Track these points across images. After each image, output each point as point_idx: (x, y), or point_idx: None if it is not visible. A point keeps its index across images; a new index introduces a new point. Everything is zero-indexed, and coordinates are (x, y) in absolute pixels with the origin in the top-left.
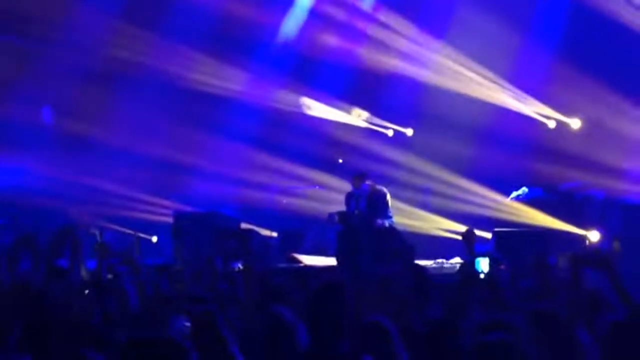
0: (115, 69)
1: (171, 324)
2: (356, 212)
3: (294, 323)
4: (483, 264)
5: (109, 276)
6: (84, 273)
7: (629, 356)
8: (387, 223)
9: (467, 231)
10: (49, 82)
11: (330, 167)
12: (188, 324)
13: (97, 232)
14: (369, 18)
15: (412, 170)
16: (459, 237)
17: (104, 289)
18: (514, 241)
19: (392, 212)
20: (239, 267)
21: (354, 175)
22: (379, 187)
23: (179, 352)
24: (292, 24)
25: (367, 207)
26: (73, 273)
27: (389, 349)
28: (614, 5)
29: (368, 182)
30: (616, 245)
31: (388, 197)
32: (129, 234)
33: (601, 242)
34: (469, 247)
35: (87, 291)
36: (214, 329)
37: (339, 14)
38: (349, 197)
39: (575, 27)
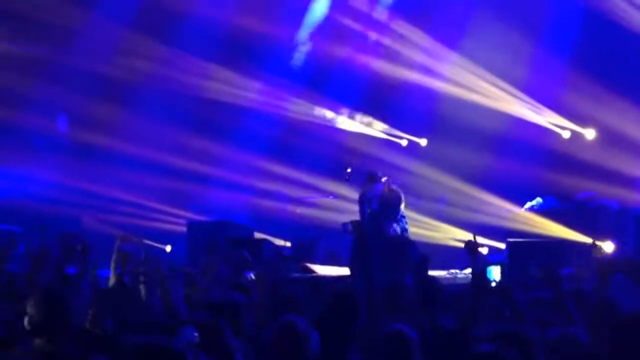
0: (129, 78)
1: (180, 334)
2: (368, 211)
3: (307, 332)
4: (495, 273)
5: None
6: (93, 279)
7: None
8: (399, 228)
9: (469, 241)
10: (63, 90)
11: (344, 177)
12: (196, 334)
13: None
14: (383, 28)
15: (425, 180)
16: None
17: (121, 295)
18: (527, 252)
19: (405, 216)
20: (251, 277)
21: (366, 176)
22: (394, 187)
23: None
24: (306, 33)
25: (380, 208)
26: (83, 279)
27: (410, 358)
28: (628, 14)
29: (383, 181)
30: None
31: (402, 198)
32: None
33: (616, 252)
34: (472, 256)
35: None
36: (222, 340)
37: (353, 24)
38: (362, 199)
39: (590, 36)
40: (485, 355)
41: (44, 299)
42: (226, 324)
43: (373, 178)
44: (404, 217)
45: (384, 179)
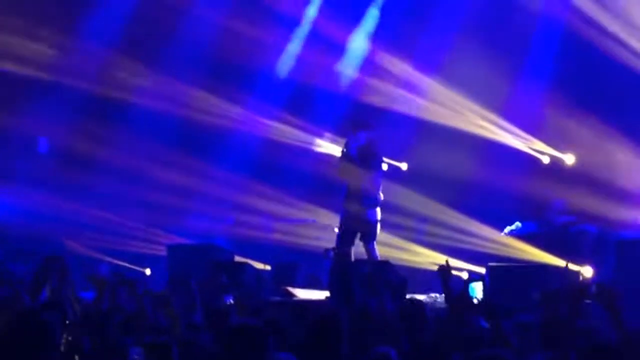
0: (111, 100)
1: (129, 354)
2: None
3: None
4: (477, 289)
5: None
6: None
7: None
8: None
9: (442, 265)
10: (45, 113)
11: (326, 201)
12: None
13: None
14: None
15: (406, 205)
16: (454, 272)
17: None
18: (507, 276)
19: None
20: (230, 301)
21: (351, 124)
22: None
23: None
24: (288, 60)
25: (358, 156)
26: (60, 303)
27: None
28: (607, 42)
29: (367, 136)
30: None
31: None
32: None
33: (594, 277)
34: (443, 282)
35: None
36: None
37: (334, 50)
38: (345, 145)
39: (569, 64)
40: None
41: (20, 323)
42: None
43: (356, 126)
44: (382, 168)
45: (367, 137)
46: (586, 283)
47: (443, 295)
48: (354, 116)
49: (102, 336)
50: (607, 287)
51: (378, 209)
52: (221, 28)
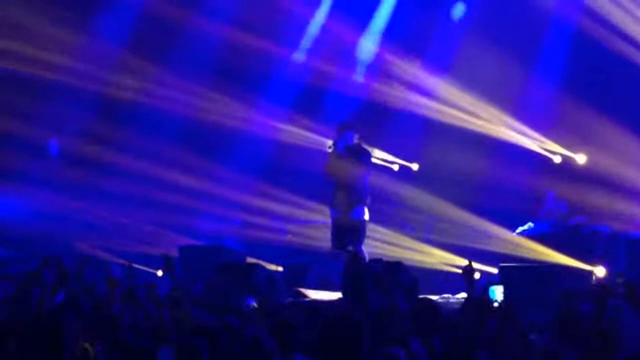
0: (122, 100)
1: (157, 355)
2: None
3: None
4: (498, 293)
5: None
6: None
7: None
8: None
9: (467, 266)
10: (55, 113)
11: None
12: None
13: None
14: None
15: (416, 205)
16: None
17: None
18: (519, 276)
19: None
20: (253, 305)
21: (339, 126)
22: (364, 144)
23: None
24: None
25: (346, 154)
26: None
27: None
28: (617, 42)
29: (355, 136)
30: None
31: (370, 152)
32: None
33: (607, 277)
34: (468, 281)
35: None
36: None
37: (344, 50)
38: (333, 144)
39: (580, 63)
40: None
41: (35, 325)
42: (205, 347)
43: (344, 127)
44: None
45: (356, 137)
46: (611, 283)
47: (464, 294)
48: (346, 118)
49: (114, 338)
50: (633, 286)
51: (366, 209)
52: (230, 30)
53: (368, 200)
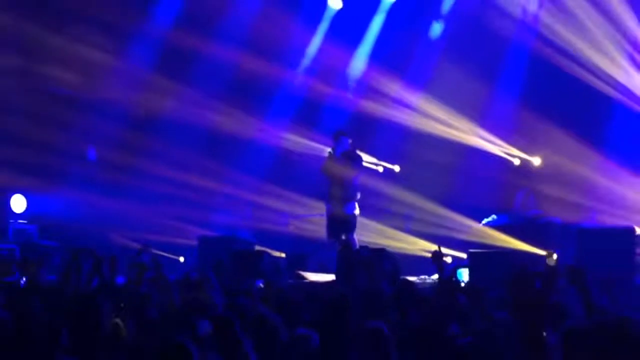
0: (150, 114)
1: (197, 326)
2: (329, 153)
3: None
4: (464, 274)
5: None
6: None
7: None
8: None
9: (435, 251)
10: (93, 125)
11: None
12: (210, 326)
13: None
14: (363, 74)
15: (399, 201)
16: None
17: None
18: (485, 260)
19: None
20: (260, 285)
21: (335, 133)
22: (357, 150)
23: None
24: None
25: (342, 157)
26: (104, 289)
27: (387, 351)
28: (567, 62)
29: (350, 141)
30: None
31: (364, 157)
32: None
33: (559, 261)
34: (438, 265)
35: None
36: (232, 332)
37: (337, 70)
38: (332, 149)
39: (535, 80)
40: (461, 349)
41: (75, 306)
42: (237, 318)
43: (340, 134)
44: (361, 168)
45: (350, 142)
46: (557, 265)
47: (437, 276)
48: (341, 126)
49: (141, 315)
50: (577, 268)
51: (356, 204)
52: (241, 53)
53: (358, 197)
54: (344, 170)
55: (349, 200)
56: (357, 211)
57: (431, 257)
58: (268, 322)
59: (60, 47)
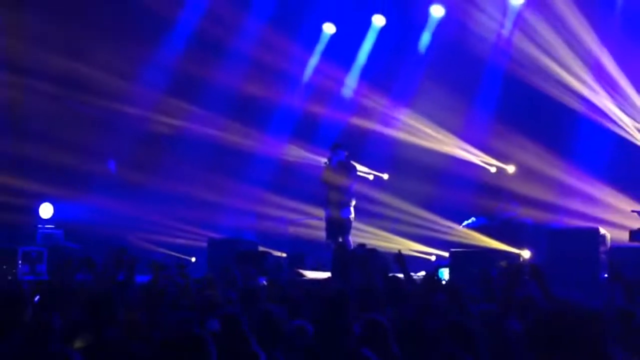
0: (163, 131)
1: (207, 324)
2: (325, 164)
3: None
4: (445, 273)
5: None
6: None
7: (552, 343)
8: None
9: (396, 254)
10: (113, 141)
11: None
12: (218, 324)
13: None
14: (355, 92)
15: (387, 205)
16: (423, 256)
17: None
18: (465, 259)
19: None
20: (264, 283)
21: (332, 144)
22: (351, 161)
23: (200, 345)
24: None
25: (338, 167)
26: (130, 284)
27: (386, 341)
28: (538, 79)
29: (345, 154)
30: (503, 263)
31: (358, 167)
32: (171, 255)
33: (531, 259)
34: (400, 266)
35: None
36: (239, 329)
37: (332, 88)
38: (328, 159)
39: (509, 96)
40: (437, 338)
41: (95, 300)
42: (243, 315)
43: (337, 146)
44: (356, 177)
45: (345, 154)
46: (523, 264)
47: (422, 273)
48: (337, 139)
49: (158, 310)
50: (538, 267)
51: (352, 209)
52: (244, 75)
53: (354, 203)
54: (340, 179)
55: (345, 205)
56: (352, 215)
57: (394, 258)
58: (272, 316)
59: (86, 74)
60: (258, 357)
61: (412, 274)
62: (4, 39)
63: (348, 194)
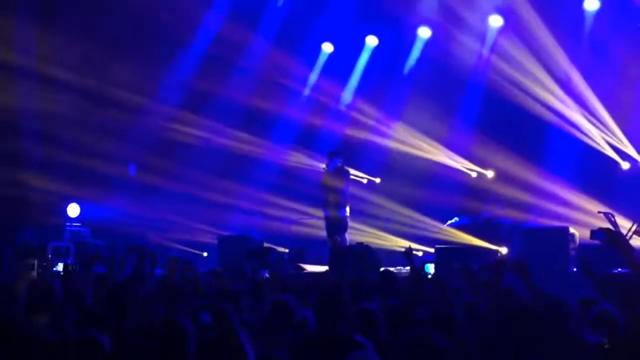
0: (178, 140)
1: (199, 316)
2: (324, 169)
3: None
4: (431, 268)
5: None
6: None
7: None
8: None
9: (407, 249)
10: (133, 147)
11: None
12: (208, 317)
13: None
14: (350, 105)
15: (379, 206)
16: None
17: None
18: (449, 254)
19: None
20: (266, 275)
21: (329, 152)
22: (345, 167)
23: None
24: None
25: (334, 173)
26: (151, 278)
27: (377, 329)
28: (516, 94)
29: (340, 160)
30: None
31: (351, 171)
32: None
33: (508, 254)
34: (409, 260)
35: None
36: (228, 322)
37: (329, 103)
38: (326, 166)
39: (488, 109)
40: (423, 324)
41: (116, 292)
42: (233, 309)
43: (333, 154)
44: (349, 180)
45: (341, 160)
46: (505, 259)
47: (409, 268)
48: (334, 147)
49: (175, 303)
50: (521, 261)
51: (347, 209)
52: (251, 89)
53: (349, 203)
54: (336, 182)
55: (342, 206)
56: (348, 214)
57: (403, 253)
58: (286, 306)
59: (110, 90)
60: (244, 348)
61: (401, 268)
62: (36, 56)
63: (344, 195)
